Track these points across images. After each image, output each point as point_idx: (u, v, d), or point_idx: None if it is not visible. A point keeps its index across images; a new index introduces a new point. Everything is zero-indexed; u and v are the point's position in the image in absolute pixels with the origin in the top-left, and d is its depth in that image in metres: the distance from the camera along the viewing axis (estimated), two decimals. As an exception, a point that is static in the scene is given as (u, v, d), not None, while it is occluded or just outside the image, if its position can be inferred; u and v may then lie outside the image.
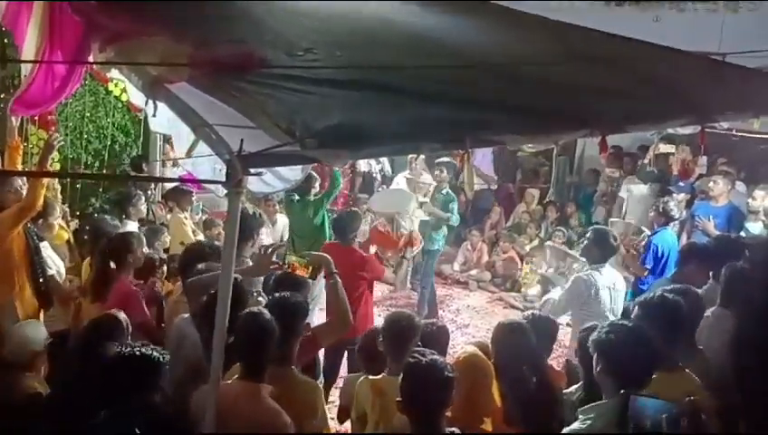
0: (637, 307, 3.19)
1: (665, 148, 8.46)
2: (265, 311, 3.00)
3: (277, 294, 3.29)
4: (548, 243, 8.29)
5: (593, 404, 2.70)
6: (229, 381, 2.89)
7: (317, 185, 6.76)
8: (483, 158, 9.94)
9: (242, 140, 2.34)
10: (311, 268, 3.63)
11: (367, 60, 3.07)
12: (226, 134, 2.48)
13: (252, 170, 2.34)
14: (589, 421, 2.61)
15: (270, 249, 3.61)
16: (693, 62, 4.95)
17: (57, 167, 6.92)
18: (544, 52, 4.12)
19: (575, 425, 2.67)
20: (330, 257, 3.69)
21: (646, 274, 5.74)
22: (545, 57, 3.86)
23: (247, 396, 2.80)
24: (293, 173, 5.12)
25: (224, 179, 2.39)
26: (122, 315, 3.43)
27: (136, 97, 6.29)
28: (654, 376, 2.92)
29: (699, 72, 4.73)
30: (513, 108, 3.08)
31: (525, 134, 3.12)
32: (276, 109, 2.63)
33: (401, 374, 2.68)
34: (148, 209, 6.51)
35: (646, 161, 8.31)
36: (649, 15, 9.48)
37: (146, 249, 4.75)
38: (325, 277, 3.63)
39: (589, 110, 3.33)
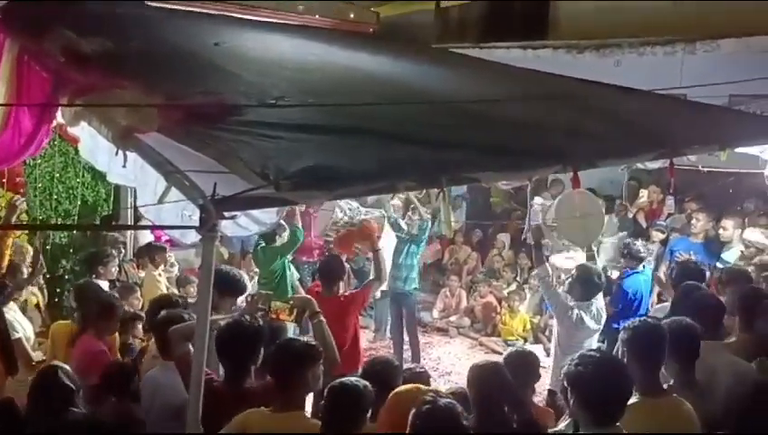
0: (623, 332, 3.17)
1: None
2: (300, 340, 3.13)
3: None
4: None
5: None
6: (265, 411, 2.92)
7: (284, 235, 6.73)
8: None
9: (215, 184, 2.32)
10: (294, 312, 3.61)
11: (339, 107, 3.10)
12: (199, 180, 2.46)
13: (226, 214, 2.32)
14: None
15: (256, 296, 3.59)
16: (656, 100, 5.09)
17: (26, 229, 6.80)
18: (513, 94, 4.21)
19: None
20: (312, 298, 3.67)
21: (612, 314, 5.73)
22: (514, 99, 3.94)
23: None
24: (269, 216, 5.09)
25: (196, 225, 2.35)
26: (65, 369, 3.33)
27: (88, 153, 6.21)
28: (638, 401, 2.91)
29: (663, 109, 4.86)
30: (486, 146, 3.13)
31: (499, 171, 3.15)
32: (250, 154, 2.62)
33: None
34: (120, 269, 6.41)
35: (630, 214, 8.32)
36: (611, 61, 9.80)
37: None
38: (309, 319, 3.60)
39: (560, 146, 3.38)
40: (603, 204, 6.35)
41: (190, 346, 3.13)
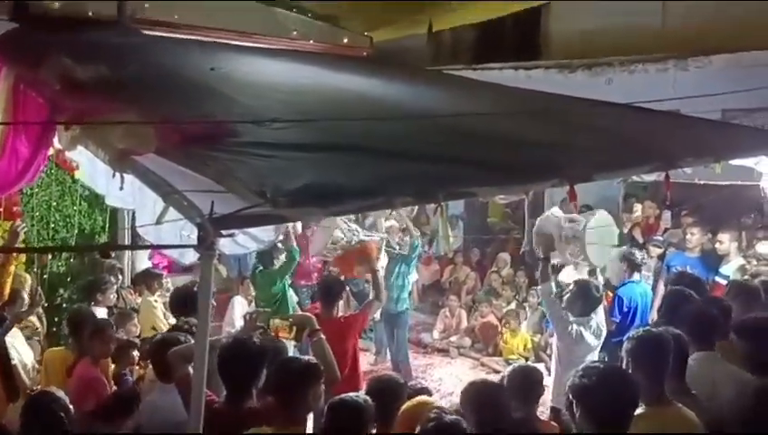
0: (626, 343, 3.15)
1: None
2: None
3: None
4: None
5: None
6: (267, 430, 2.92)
7: (281, 257, 6.74)
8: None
9: (212, 203, 2.32)
10: (294, 330, 3.61)
11: (332, 125, 3.11)
12: (196, 199, 2.47)
13: (224, 232, 2.32)
14: None
15: (254, 314, 3.57)
16: (650, 114, 5.13)
17: (23, 259, 6.78)
18: (508, 110, 4.23)
19: None
20: (312, 316, 3.66)
21: (612, 327, 5.71)
22: (509, 115, 3.97)
23: None
24: (267, 234, 5.10)
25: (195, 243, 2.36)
26: (56, 395, 3.30)
27: (88, 178, 6.23)
28: (644, 411, 2.89)
29: (657, 123, 4.89)
30: (482, 161, 3.13)
31: (496, 185, 3.16)
32: (246, 173, 2.63)
33: None
34: (118, 295, 6.39)
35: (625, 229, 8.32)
36: (602, 79, 9.87)
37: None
38: (309, 336, 3.59)
39: (556, 160, 3.40)
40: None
41: (190, 368, 3.12)
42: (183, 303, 4.74)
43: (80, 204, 7.63)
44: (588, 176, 3.50)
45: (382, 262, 7.12)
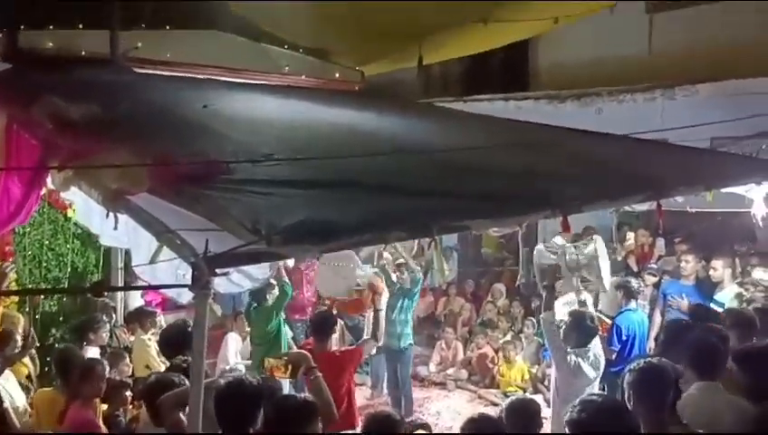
0: (627, 374, 3.14)
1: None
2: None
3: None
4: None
5: None
6: None
7: (274, 292, 6.72)
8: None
9: (207, 241, 2.32)
10: (289, 368, 3.56)
11: (328, 162, 3.13)
12: (190, 238, 2.46)
13: (218, 271, 2.31)
14: None
15: None
16: (639, 144, 5.17)
17: (15, 299, 6.73)
18: (500, 142, 4.26)
19: None
20: (307, 354, 3.61)
21: (612, 356, 5.69)
22: (501, 147, 4.00)
23: None
24: (261, 271, 5.07)
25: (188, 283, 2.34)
26: None
27: (83, 217, 6.23)
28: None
29: (647, 153, 4.94)
30: (475, 194, 3.15)
31: (489, 217, 3.17)
32: (240, 211, 2.63)
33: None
34: (111, 334, 6.33)
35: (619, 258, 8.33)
36: (592, 109, 9.98)
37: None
38: (305, 374, 3.54)
39: (548, 191, 3.41)
40: None
41: (182, 415, 3.08)
42: (173, 342, 4.68)
43: (72, 242, 7.59)
44: (580, 206, 3.51)
45: (384, 297, 7.11)
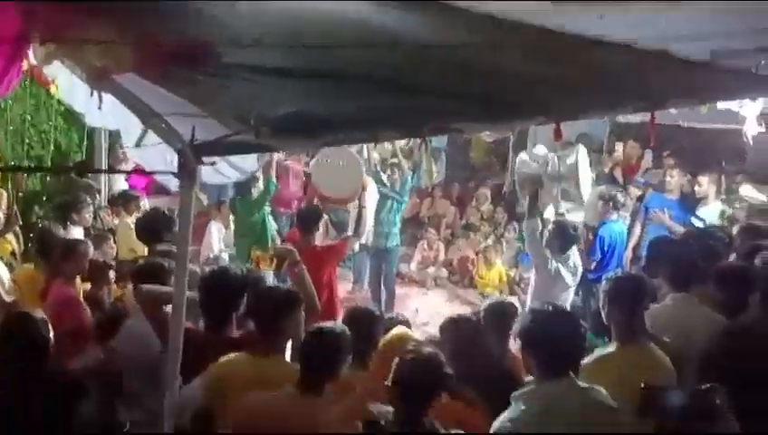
0: (604, 283, 3.22)
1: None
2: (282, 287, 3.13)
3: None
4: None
5: (525, 389, 2.57)
6: (247, 355, 2.90)
7: (259, 185, 6.71)
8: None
9: (194, 129, 2.26)
10: (275, 261, 3.61)
11: (321, 51, 3.01)
12: (177, 124, 2.40)
13: (205, 159, 2.27)
14: (523, 407, 2.47)
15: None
16: (638, 53, 5.04)
17: (-2, 175, 6.66)
18: (497, 44, 4.13)
19: (507, 412, 2.50)
20: (293, 249, 3.65)
21: (592, 265, 5.81)
22: (498, 48, 3.87)
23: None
24: (248, 163, 5.03)
25: (175, 170, 2.31)
26: (38, 315, 3.25)
27: (67, 95, 6.08)
28: (616, 350, 3.01)
29: (645, 62, 4.81)
30: (470, 96, 3.07)
31: (482, 122, 3.11)
32: (228, 98, 2.56)
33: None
34: (95, 216, 6.33)
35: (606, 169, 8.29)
36: (594, 15, 9.65)
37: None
38: (290, 268, 3.59)
39: (543, 98, 3.34)
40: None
41: (167, 309, 3.10)
42: (149, 228, 4.65)
43: (55, 120, 7.44)
44: (574, 115, 3.46)
45: (371, 197, 7.11)
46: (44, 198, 7.43)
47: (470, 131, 3.12)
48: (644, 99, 3.87)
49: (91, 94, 2.75)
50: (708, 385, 1.96)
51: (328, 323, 2.93)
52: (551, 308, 2.64)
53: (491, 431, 2.45)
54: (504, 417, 2.47)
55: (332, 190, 6.92)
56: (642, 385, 1.95)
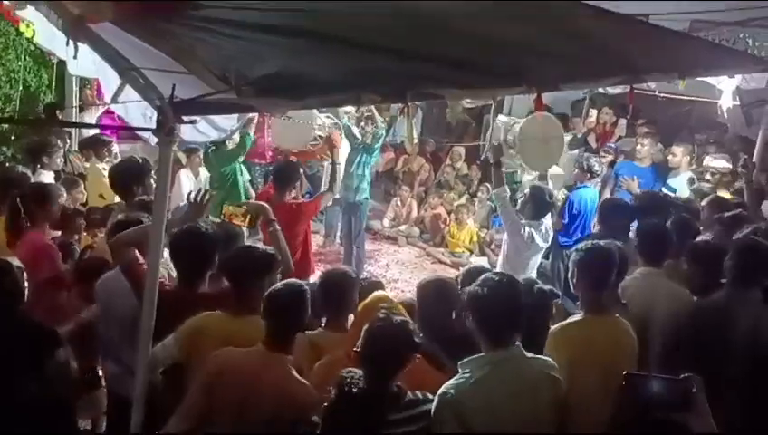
0: (573, 254, 3.26)
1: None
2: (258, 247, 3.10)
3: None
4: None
5: (472, 357, 2.61)
6: (221, 314, 2.92)
7: (235, 138, 6.63)
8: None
9: (174, 86, 2.22)
10: (248, 217, 3.59)
11: (306, 12, 2.94)
12: (157, 79, 2.35)
13: (185, 118, 2.24)
14: (467, 375, 2.54)
15: (201, 194, 3.36)
16: (621, 22, 5.02)
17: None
18: (481, 11, 4.08)
19: (453, 380, 2.56)
20: (267, 206, 3.63)
21: (560, 227, 5.92)
22: (482, 15, 3.82)
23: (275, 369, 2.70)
24: (229, 122, 4.95)
25: (154, 126, 2.27)
26: (15, 263, 3.20)
27: (47, 41, 5.91)
28: (582, 318, 3.08)
29: (627, 33, 4.80)
30: (454, 62, 3.04)
31: (464, 88, 3.09)
32: (209, 54, 2.50)
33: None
34: (65, 159, 6.20)
35: (580, 134, 8.33)
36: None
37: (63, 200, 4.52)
38: (262, 225, 3.58)
39: (525, 67, 3.32)
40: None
41: (136, 252, 3.08)
42: (122, 178, 4.48)
43: (24, 59, 7.23)
44: (555, 85, 3.44)
45: (342, 150, 7.09)
46: (13, 138, 7.27)
47: (451, 98, 3.09)
48: (625, 71, 3.87)
49: (67, 43, 2.66)
50: (685, 375, 2.01)
51: (292, 280, 2.92)
52: (497, 278, 2.69)
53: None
54: (449, 383, 2.54)
55: (285, 143, 6.99)
56: (624, 372, 2.02)
